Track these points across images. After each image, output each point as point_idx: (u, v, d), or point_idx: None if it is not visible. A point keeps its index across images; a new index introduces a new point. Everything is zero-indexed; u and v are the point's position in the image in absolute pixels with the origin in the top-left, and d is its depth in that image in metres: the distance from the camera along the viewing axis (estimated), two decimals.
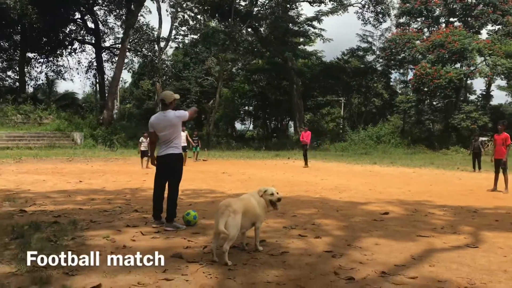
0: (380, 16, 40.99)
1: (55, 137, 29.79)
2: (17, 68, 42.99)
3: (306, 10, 66.14)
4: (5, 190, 9.55)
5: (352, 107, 50.22)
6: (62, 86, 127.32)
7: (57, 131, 30.88)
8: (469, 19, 37.51)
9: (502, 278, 4.14)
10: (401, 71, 46.15)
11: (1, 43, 42.55)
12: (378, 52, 43.53)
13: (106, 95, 39.99)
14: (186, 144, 19.24)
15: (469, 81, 43.15)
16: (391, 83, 48.73)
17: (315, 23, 41.42)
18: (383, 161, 23.06)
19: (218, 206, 4.71)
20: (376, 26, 42.09)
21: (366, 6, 40.91)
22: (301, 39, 45.65)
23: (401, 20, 40.46)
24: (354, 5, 41.01)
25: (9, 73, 46.42)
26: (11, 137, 27.79)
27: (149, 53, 46.35)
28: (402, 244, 5.38)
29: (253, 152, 31.95)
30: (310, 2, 40.79)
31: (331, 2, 40.14)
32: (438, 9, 38.09)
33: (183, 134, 18.92)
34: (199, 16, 42.94)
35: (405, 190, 11.15)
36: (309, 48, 46.79)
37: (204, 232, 5.88)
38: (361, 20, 41.75)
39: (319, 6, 40.17)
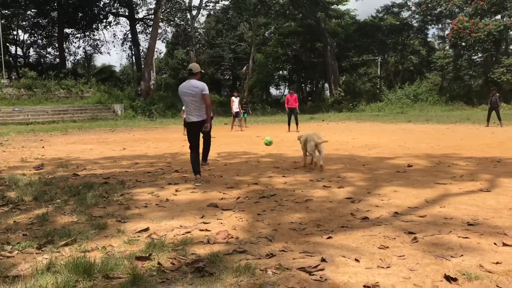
0: None
1: (97, 110, 31.16)
2: (57, 45, 44.50)
3: None
4: (57, 159, 10.49)
5: (389, 66, 49.35)
6: (100, 60, 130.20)
7: (99, 104, 32.25)
8: None
9: (505, 214, 4.54)
10: (439, 26, 44.89)
11: (40, 21, 44.11)
12: (413, 8, 42.27)
13: (143, 66, 40.98)
14: (238, 110, 19.98)
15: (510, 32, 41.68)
16: (429, 39, 47.57)
17: None
18: (419, 119, 23.05)
19: (310, 137, 7.96)
20: None
21: None
22: None
23: None
24: None
25: (49, 49, 48.22)
26: (56, 111, 29.32)
27: (182, 22, 46.94)
28: (419, 191, 5.82)
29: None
30: None
31: None
32: None
33: (236, 100, 19.69)
34: None
35: (434, 145, 11.41)
36: (342, 8, 45.90)
37: (238, 186, 6.46)
38: None
39: None
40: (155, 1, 42.78)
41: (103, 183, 6.82)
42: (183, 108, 18.75)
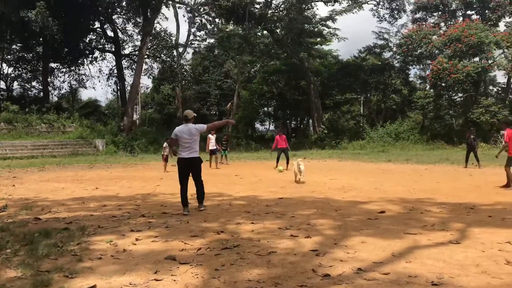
0: (396, 12, 40.90)
1: (78, 145, 30.78)
2: (41, 79, 44.33)
3: (321, 10, 66.95)
4: (24, 199, 10.15)
5: (371, 104, 50.01)
6: (87, 94, 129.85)
7: (80, 139, 31.89)
8: (486, 11, 37.11)
9: (472, 272, 4.37)
10: (420, 66, 45.83)
11: (25, 55, 44.07)
12: (395, 49, 43.29)
13: (127, 101, 40.95)
14: (215, 147, 19.77)
15: (492, 74, 42.75)
16: (410, 79, 48.44)
17: (329, 22, 41.54)
18: (399, 159, 23.12)
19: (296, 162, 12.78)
20: (391, 22, 42.13)
21: (381, 3, 40.84)
22: (318, 39, 45.75)
23: (417, 16, 40.41)
24: (368, 2, 40.91)
25: (34, 83, 47.97)
26: (36, 146, 28.86)
27: (168, 59, 47.17)
28: (387, 242, 5.64)
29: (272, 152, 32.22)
30: (324, 2, 40.80)
31: (346, 1, 40.18)
32: (454, 2, 37.74)
33: (212, 138, 19.49)
34: (217, 20, 43.54)
35: (410, 188, 11.32)
36: (325, 48, 46.89)
37: (202, 235, 6.22)
38: (377, 17, 41.73)
39: (333, 5, 40.16)
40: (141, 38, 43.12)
41: (62, 229, 6.54)
42: (165, 145, 18.83)
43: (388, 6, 40.84)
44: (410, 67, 44.73)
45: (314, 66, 45.52)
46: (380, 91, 46.60)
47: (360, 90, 47.84)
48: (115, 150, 31.54)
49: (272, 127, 65.90)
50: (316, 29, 42.64)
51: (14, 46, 43.61)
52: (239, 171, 17.34)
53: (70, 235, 6.14)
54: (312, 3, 42.19)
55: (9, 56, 45.41)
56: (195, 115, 8.61)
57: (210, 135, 19.96)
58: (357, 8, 39.70)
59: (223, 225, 6.87)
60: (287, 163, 19.01)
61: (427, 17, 39.84)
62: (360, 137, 38.79)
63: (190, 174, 8.21)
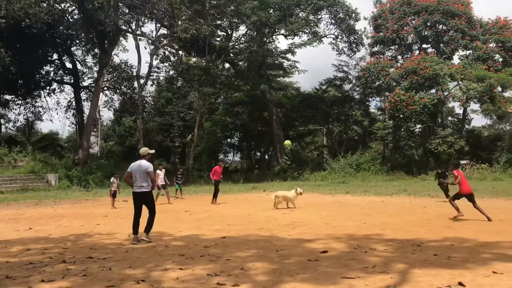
0: (354, 45, 41.66)
1: (29, 180, 29.36)
2: None
3: (282, 43, 68.11)
4: None
5: (333, 135, 50.39)
6: (46, 126, 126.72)
7: (31, 173, 30.47)
8: (441, 45, 38.28)
9: None
10: (381, 98, 46.65)
11: None
12: (354, 81, 43.98)
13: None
14: (164, 182, 19.01)
15: (450, 105, 43.89)
16: (371, 110, 49.16)
17: (289, 55, 41.91)
18: (357, 190, 22.93)
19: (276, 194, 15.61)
20: (350, 55, 42.76)
21: (340, 36, 41.58)
22: (280, 71, 46.09)
23: (375, 49, 41.06)
24: (327, 36, 41.62)
25: None
26: None
27: (128, 91, 46.34)
28: None
29: (231, 185, 31.65)
30: (284, 35, 41.28)
31: (306, 34, 40.74)
32: (410, 36, 38.78)
33: (161, 173, 18.74)
34: (180, 52, 43.27)
35: (361, 223, 10.97)
36: (286, 80, 47.24)
37: (120, 284, 5.58)
38: (336, 50, 42.37)
39: (292, 39, 40.65)
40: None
41: None
42: (112, 179, 18.04)
43: (346, 40, 41.59)
44: (370, 98, 45.47)
45: (276, 97, 45.69)
46: (342, 122, 47.02)
47: (322, 121, 48.15)
48: (69, 184, 30.23)
49: (237, 158, 65.60)
50: (276, 62, 42.95)
51: None
52: (191, 207, 16.67)
53: None
54: (273, 36, 42.68)
55: None
56: (151, 152, 9.35)
57: (158, 171, 19.21)
58: (316, 41, 40.22)
59: (147, 272, 6.24)
60: (214, 196, 18.43)
61: (385, 50, 40.63)
62: (322, 168, 38.69)
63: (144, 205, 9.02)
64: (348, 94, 45.03)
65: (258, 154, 59.86)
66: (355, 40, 41.36)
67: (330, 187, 26.41)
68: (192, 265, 6.61)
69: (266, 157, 56.79)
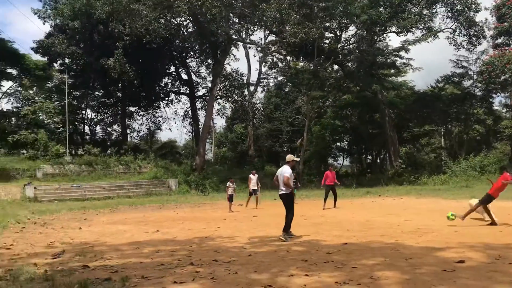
0: (474, 39, 38.41)
1: (152, 185, 31.51)
2: (120, 122, 46.77)
3: (394, 41, 64.96)
4: (83, 244, 10.11)
5: (452, 136, 47.07)
6: (164, 135, 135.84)
7: (154, 179, 32.69)
8: None
9: None
10: (505, 94, 42.63)
11: (106, 100, 46.91)
12: (475, 77, 40.63)
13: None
14: (256, 188, 19.27)
15: None
16: (495, 108, 45.14)
17: (402, 53, 40.05)
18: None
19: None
20: (470, 50, 39.49)
21: (458, 30, 38.70)
22: (391, 71, 44.29)
23: (499, 41, 37.51)
24: (444, 30, 39.01)
25: (115, 127, 50.67)
26: (112, 187, 29.92)
27: (239, 98, 47.78)
28: None
29: (343, 190, 30.93)
30: (396, 33, 39.56)
31: (419, 30, 38.63)
32: None
33: (254, 178, 19.03)
34: (288, 57, 43.65)
35: (497, 230, 9.93)
36: (399, 79, 45.26)
37: None
38: (453, 45, 39.49)
39: (405, 35, 38.76)
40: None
41: (104, 280, 6.20)
42: (228, 184, 18.61)
43: (465, 33, 38.54)
44: (494, 95, 41.65)
45: (388, 98, 43.93)
46: (462, 122, 43.76)
47: (439, 121, 45.31)
48: (187, 189, 31.91)
49: (346, 162, 64.23)
50: (388, 60, 41.31)
51: (96, 93, 46.63)
52: (305, 211, 16.50)
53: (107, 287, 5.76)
54: (384, 34, 41.14)
55: (92, 102, 48.59)
56: (297, 159, 10.85)
57: (251, 175, 19.56)
58: (431, 37, 37.90)
59: (273, 277, 6.18)
60: (335, 200, 18.37)
61: (510, 42, 37.00)
62: (441, 172, 36.26)
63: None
64: (468, 91, 41.70)
65: (370, 157, 58.08)
66: (475, 33, 38.14)
67: (452, 192, 24.61)
68: (317, 272, 6.41)
69: (378, 160, 54.90)
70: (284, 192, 9.79)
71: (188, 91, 50.16)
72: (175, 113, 56.28)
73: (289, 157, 10.18)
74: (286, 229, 9.79)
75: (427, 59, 74.98)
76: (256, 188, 19.34)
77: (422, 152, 53.15)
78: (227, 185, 18.81)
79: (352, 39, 40.41)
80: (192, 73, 49.58)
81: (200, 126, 48.35)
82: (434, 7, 37.84)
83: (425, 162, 43.75)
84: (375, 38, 40.18)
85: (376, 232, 10.49)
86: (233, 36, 40.11)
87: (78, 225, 14.36)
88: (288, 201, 9.88)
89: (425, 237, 9.48)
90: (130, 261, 7.80)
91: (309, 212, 16.29)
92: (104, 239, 10.85)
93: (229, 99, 48.71)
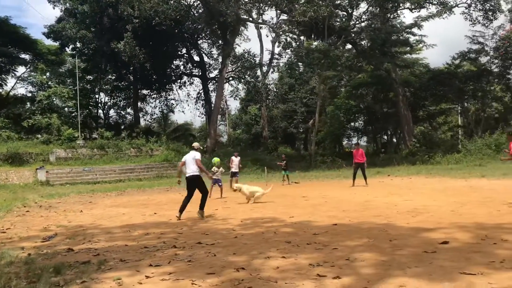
0: (490, 13, 37.29)
1: (163, 168, 31.75)
2: (133, 105, 47.04)
3: (407, 17, 62.97)
4: (78, 227, 10.21)
5: (469, 114, 46.13)
6: (179, 117, 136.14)
7: (165, 162, 32.89)
8: None
9: None
10: None
11: (119, 84, 47.13)
12: (492, 53, 39.55)
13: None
14: (237, 170, 19.08)
15: None
16: None
17: (415, 29, 39.16)
18: (495, 173, 20.58)
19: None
20: (486, 25, 38.35)
21: (473, 4, 37.58)
22: (406, 48, 43.36)
23: None
24: (459, 5, 37.91)
25: (128, 110, 51.02)
26: (123, 170, 30.24)
27: (252, 79, 47.52)
28: (432, 286, 4.54)
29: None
30: (410, 9, 38.64)
31: (434, 6, 37.64)
32: None
33: (236, 160, 18.87)
34: (302, 37, 43.06)
35: (494, 210, 9.68)
36: (413, 56, 44.37)
37: (220, 272, 5.52)
38: (469, 20, 38.41)
39: (419, 11, 37.83)
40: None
41: (82, 263, 6.23)
42: (213, 169, 18.24)
43: (481, 8, 37.43)
44: (511, 71, 40.49)
45: (403, 76, 43.16)
46: (479, 99, 42.82)
47: (455, 99, 44.44)
48: None
49: (362, 142, 63.64)
50: (402, 38, 40.45)
51: (109, 76, 46.87)
52: (309, 192, 16.40)
53: (83, 271, 5.78)
54: (397, 11, 40.20)
55: (106, 86, 48.91)
56: (201, 147, 12.67)
57: (233, 157, 19.35)
58: (446, 12, 36.93)
59: (250, 260, 6.12)
60: (365, 179, 18.39)
61: None
62: (456, 150, 35.65)
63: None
64: (485, 67, 40.70)
65: (385, 137, 57.46)
66: (491, 7, 37.02)
67: (463, 171, 24.20)
68: (296, 254, 6.33)
69: (394, 140, 54.25)
70: (196, 173, 10.66)
71: (200, 73, 50.05)
72: (188, 95, 56.32)
73: (196, 144, 11.66)
74: (202, 206, 10.82)
75: (443, 35, 73.47)
76: (237, 170, 19.14)
77: (439, 131, 52.33)
78: (212, 169, 18.29)
79: (364, 17, 39.63)
80: (204, 55, 49.43)
81: (213, 108, 48.40)
82: None
83: (440, 141, 43.04)
84: (388, 15, 39.34)
85: (371, 213, 10.34)
86: (244, 16, 39.67)
87: (81, 208, 14.55)
88: (200, 182, 10.75)
89: (419, 218, 9.29)
90: (116, 244, 7.83)
91: (312, 193, 16.20)
92: (100, 222, 10.95)
93: (242, 80, 48.51)
